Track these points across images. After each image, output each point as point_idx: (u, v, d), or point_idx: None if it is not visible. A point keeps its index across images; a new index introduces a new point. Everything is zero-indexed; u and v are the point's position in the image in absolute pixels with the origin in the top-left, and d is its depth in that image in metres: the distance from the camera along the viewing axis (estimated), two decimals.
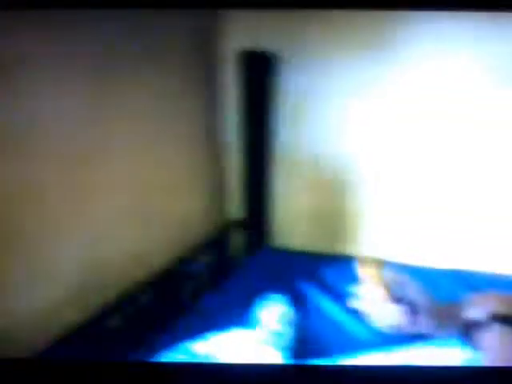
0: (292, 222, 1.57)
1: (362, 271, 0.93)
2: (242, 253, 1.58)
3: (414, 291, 0.95)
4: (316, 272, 1.36)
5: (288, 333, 1.16)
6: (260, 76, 1.39)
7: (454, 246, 1.42)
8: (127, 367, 0.82)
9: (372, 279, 0.92)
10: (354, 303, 0.96)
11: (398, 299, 0.92)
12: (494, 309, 0.85)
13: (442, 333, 0.94)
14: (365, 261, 0.94)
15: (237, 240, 1.59)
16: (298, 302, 1.27)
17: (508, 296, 0.90)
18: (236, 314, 1.22)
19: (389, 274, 0.95)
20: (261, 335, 1.14)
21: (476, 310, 0.88)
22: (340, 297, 1.15)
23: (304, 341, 1.16)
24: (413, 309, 0.93)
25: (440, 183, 1.38)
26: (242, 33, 1.39)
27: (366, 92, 1.35)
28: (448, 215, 1.39)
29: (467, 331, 0.86)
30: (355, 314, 1.16)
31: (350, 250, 1.02)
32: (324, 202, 1.50)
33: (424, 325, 0.94)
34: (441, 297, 1.03)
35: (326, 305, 1.26)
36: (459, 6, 0.98)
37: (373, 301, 0.93)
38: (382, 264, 0.96)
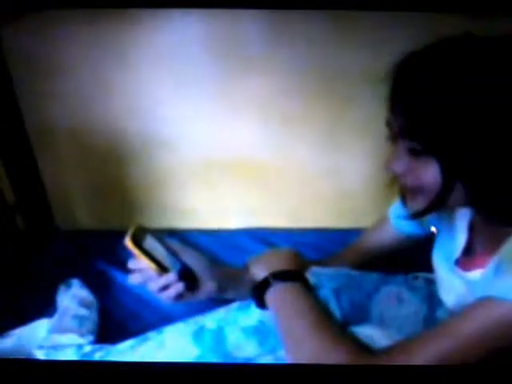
0: (72, 203, 1.49)
1: (127, 244, 0.85)
2: (28, 240, 1.47)
3: (188, 257, 0.92)
4: (112, 250, 1.29)
5: (92, 316, 1.15)
6: None
7: (250, 205, 1.48)
8: None
9: (137, 251, 0.85)
10: (133, 279, 0.90)
11: (169, 268, 0.88)
12: (274, 267, 0.88)
13: (233, 295, 0.96)
14: (130, 232, 0.86)
15: (19, 227, 1.47)
16: (99, 283, 1.24)
17: (287, 251, 0.94)
18: (35, 303, 1.16)
19: (156, 243, 0.90)
20: (63, 322, 1.12)
21: (258, 269, 0.90)
22: None
23: (110, 322, 1.15)
24: (189, 275, 0.91)
25: (226, 144, 1.40)
26: None
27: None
28: (240, 175, 1.44)
29: (255, 292, 0.87)
30: None
31: (143, 222, 0.98)
32: (101, 177, 1.45)
33: (207, 290, 0.93)
34: (239, 258, 1.04)
35: (128, 281, 1.25)
36: None
37: (144, 274, 0.88)
38: (147, 233, 0.89)
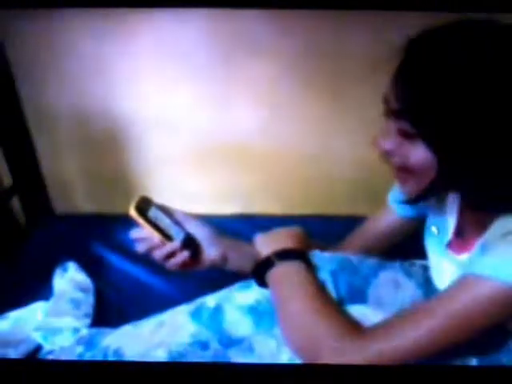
0: (70, 187, 1.50)
1: (131, 213, 0.87)
2: (24, 222, 1.47)
3: (193, 226, 0.94)
4: (109, 234, 1.33)
5: (88, 300, 1.14)
6: None
7: (246, 191, 1.49)
8: None
9: (142, 220, 0.87)
10: (138, 248, 0.91)
11: (173, 236, 0.90)
12: (278, 246, 0.88)
13: (236, 267, 0.98)
14: (134, 202, 0.87)
15: (16, 209, 1.46)
16: (96, 266, 1.24)
17: (294, 230, 0.94)
18: (31, 286, 1.16)
19: (160, 213, 0.91)
20: (60, 305, 1.12)
21: (263, 246, 0.90)
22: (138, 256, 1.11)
23: (107, 306, 1.15)
24: (193, 243, 0.93)
25: (209, 130, 1.40)
26: None
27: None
28: (236, 161, 1.44)
29: (257, 269, 0.88)
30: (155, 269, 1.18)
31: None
32: (98, 161, 1.46)
33: (210, 259, 0.95)
34: None
35: (125, 265, 1.26)
36: None
37: (149, 242, 0.90)
38: (151, 203, 0.91)
